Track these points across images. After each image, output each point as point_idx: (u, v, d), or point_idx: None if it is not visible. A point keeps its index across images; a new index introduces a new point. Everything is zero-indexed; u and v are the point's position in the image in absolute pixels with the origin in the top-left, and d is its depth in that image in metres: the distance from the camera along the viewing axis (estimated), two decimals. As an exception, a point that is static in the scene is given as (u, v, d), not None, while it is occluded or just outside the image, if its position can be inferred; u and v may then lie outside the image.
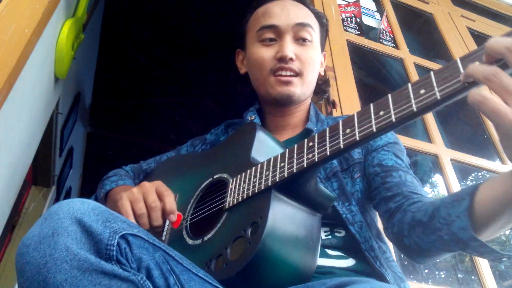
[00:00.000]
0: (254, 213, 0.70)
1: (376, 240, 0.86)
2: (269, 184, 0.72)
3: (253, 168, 0.79)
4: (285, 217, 0.71)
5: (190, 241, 0.79)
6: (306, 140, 0.73)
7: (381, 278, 0.79)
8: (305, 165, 0.69)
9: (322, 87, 1.11)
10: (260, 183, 0.75)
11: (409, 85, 0.59)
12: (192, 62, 4.01)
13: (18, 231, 2.46)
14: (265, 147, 0.87)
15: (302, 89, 0.95)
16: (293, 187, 0.74)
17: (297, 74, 0.94)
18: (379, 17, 2.14)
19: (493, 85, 0.47)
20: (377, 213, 0.93)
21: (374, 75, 2.33)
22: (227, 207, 0.78)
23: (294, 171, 0.70)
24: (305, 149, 0.72)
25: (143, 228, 0.71)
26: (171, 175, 1.01)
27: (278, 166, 0.74)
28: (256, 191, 0.74)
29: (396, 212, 0.80)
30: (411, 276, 1.77)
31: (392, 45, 2.03)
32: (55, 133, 2.29)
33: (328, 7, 1.93)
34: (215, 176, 0.89)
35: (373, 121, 0.62)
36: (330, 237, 0.84)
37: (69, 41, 1.55)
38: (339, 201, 0.85)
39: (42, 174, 2.57)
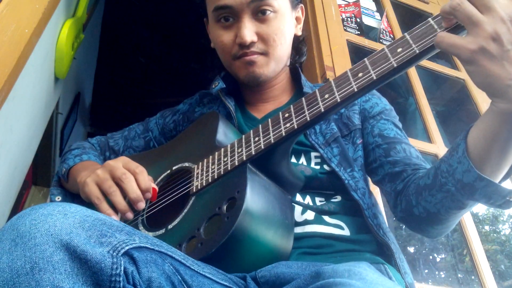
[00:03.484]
0: (229, 189, 0.66)
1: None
2: (244, 158, 0.69)
3: (222, 149, 0.75)
4: (262, 190, 0.67)
5: (150, 234, 0.70)
6: (280, 112, 0.71)
7: (384, 246, 0.77)
8: (283, 134, 0.67)
9: (297, 47, 1.00)
10: (233, 160, 0.71)
11: (385, 47, 0.62)
12: (192, 62, 4.00)
13: (18, 231, 2.45)
14: (230, 133, 0.82)
15: (270, 68, 0.88)
16: (267, 164, 0.70)
17: (262, 54, 0.87)
18: (379, 17, 2.13)
19: (459, 14, 0.53)
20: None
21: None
22: (194, 190, 0.73)
23: (272, 141, 0.68)
24: (281, 120, 0.70)
25: (120, 207, 0.67)
26: None
27: (252, 141, 0.71)
28: (229, 168, 0.70)
29: (403, 189, 0.79)
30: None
31: (392, 45, 2.03)
32: (55, 133, 2.29)
33: (328, 7, 1.93)
34: (174, 168, 0.83)
35: (353, 83, 0.63)
36: (325, 202, 0.80)
37: (69, 41, 1.54)
38: (340, 167, 0.81)
39: (42, 174, 2.56)
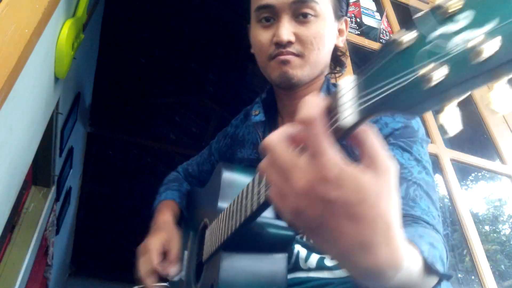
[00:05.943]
0: (211, 276, 0.74)
1: None
2: (218, 244, 0.72)
3: (216, 221, 0.78)
4: (239, 274, 0.70)
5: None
6: (228, 206, 0.70)
7: None
8: (232, 231, 0.65)
9: (338, 58, 0.99)
10: (216, 241, 0.74)
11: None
12: (192, 62, 4.01)
13: (18, 231, 2.45)
14: (231, 190, 0.83)
15: (304, 71, 0.85)
16: (241, 241, 0.70)
17: (298, 55, 0.85)
18: (379, 17, 2.14)
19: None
20: None
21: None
22: (203, 260, 0.82)
23: (226, 237, 0.68)
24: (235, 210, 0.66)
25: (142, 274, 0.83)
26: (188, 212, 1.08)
27: (224, 224, 0.71)
28: (213, 250, 0.75)
29: None
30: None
31: (392, 45, 2.03)
32: (55, 133, 2.29)
33: (328, 7, 1.93)
34: (200, 226, 0.93)
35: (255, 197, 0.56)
36: None
37: (69, 41, 1.54)
38: None
39: (42, 174, 2.56)
